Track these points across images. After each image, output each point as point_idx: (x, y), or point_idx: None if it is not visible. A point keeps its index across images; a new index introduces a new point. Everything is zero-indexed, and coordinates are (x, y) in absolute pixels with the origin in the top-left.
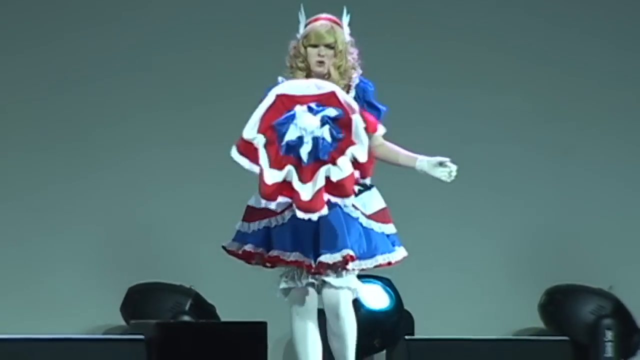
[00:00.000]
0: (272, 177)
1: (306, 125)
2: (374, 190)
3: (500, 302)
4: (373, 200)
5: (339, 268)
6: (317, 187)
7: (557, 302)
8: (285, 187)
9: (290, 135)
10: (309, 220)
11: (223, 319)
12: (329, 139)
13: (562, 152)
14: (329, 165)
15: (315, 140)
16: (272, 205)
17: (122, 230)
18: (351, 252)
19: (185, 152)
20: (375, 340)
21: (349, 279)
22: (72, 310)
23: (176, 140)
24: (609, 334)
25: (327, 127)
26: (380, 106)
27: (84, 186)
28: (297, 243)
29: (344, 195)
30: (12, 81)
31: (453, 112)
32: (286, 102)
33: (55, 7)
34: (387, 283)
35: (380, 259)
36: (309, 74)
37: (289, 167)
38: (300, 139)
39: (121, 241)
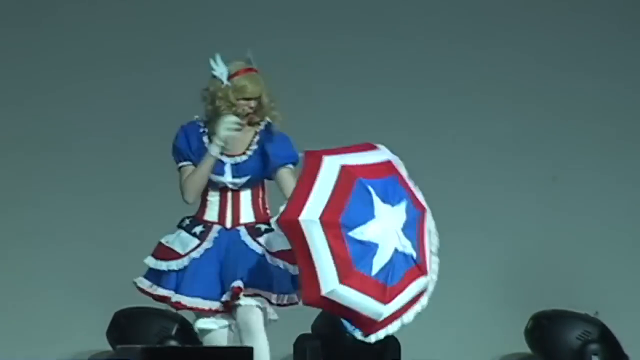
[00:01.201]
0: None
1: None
2: (278, 230)
3: (487, 327)
4: (279, 239)
5: (234, 301)
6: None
7: (544, 327)
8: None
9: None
10: (214, 263)
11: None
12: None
13: (549, 180)
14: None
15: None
16: None
17: (109, 253)
18: (240, 284)
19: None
20: None
21: (261, 300)
22: (57, 335)
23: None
24: (596, 359)
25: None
26: (291, 151)
27: (70, 208)
28: (198, 288)
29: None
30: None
31: (440, 139)
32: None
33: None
34: None
35: (285, 298)
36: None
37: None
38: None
39: (107, 265)
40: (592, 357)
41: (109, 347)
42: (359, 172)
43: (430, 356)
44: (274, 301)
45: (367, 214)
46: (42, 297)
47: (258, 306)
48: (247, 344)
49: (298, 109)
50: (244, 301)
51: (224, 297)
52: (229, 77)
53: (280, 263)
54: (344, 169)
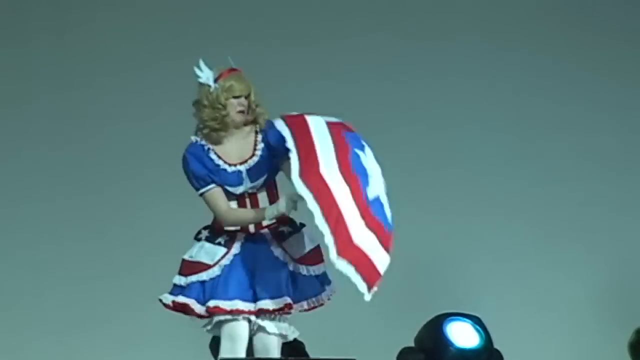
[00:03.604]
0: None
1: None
2: (304, 231)
3: (589, 340)
4: (303, 242)
5: (277, 314)
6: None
7: None
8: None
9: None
10: (244, 267)
11: (312, 356)
12: None
13: None
14: None
15: None
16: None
17: None
18: (290, 300)
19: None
20: None
21: (283, 326)
22: (163, 348)
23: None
24: None
25: None
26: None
27: (181, 226)
28: (234, 291)
29: None
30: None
31: (540, 153)
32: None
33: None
34: (477, 321)
35: (306, 304)
36: (222, 124)
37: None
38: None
39: None
40: None
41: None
42: (340, 127)
43: None
44: (302, 308)
45: (370, 165)
46: (150, 312)
47: (281, 334)
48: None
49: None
50: (267, 325)
51: (270, 306)
52: (215, 80)
53: (304, 269)
54: (329, 124)
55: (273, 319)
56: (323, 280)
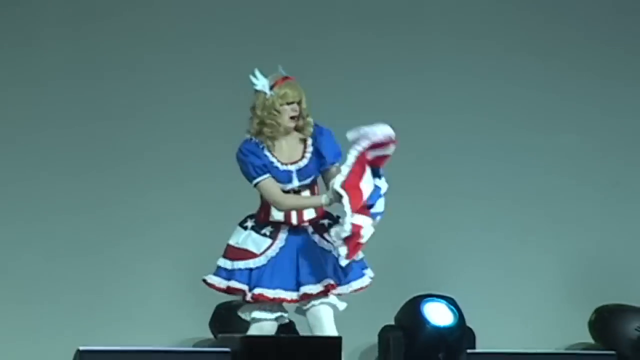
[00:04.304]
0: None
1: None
2: (341, 222)
3: (555, 319)
4: (342, 232)
5: (321, 297)
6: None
7: (605, 320)
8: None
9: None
10: (289, 258)
11: (301, 333)
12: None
13: (612, 183)
14: None
15: None
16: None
17: (213, 252)
18: (332, 281)
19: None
20: (440, 354)
21: (330, 297)
22: (166, 325)
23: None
24: None
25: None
26: (338, 148)
27: (183, 210)
28: (278, 281)
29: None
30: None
31: (515, 150)
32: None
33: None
34: (451, 301)
35: (355, 285)
36: (276, 128)
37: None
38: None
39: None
40: None
41: (211, 336)
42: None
43: (502, 346)
44: (347, 291)
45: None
46: (155, 292)
47: (329, 303)
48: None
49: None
50: (316, 299)
51: (314, 290)
52: (271, 88)
53: None
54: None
55: (322, 293)
56: (362, 266)
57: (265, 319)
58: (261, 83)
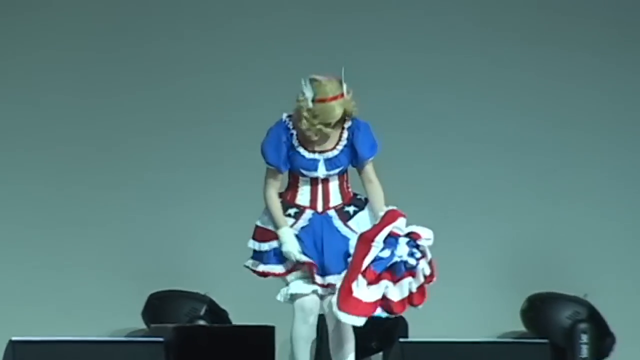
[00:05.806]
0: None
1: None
2: (367, 208)
3: (487, 308)
4: (366, 220)
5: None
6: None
7: (537, 308)
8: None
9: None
10: (312, 241)
11: (235, 322)
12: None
13: (543, 173)
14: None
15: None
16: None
17: (143, 242)
18: None
19: (202, 167)
20: (373, 343)
21: None
22: (98, 315)
23: (195, 156)
24: (584, 337)
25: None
26: (373, 143)
27: (109, 200)
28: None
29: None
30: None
31: (443, 136)
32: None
33: None
34: None
35: None
36: (311, 132)
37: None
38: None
39: (142, 252)
40: (581, 335)
41: (144, 326)
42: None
43: (434, 334)
44: None
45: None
46: (85, 282)
47: None
48: (335, 333)
49: None
50: (334, 289)
51: (338, 282)
52: (316, 101)
53: None
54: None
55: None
56: None
57: (303, 294)
58: (307, 94)
